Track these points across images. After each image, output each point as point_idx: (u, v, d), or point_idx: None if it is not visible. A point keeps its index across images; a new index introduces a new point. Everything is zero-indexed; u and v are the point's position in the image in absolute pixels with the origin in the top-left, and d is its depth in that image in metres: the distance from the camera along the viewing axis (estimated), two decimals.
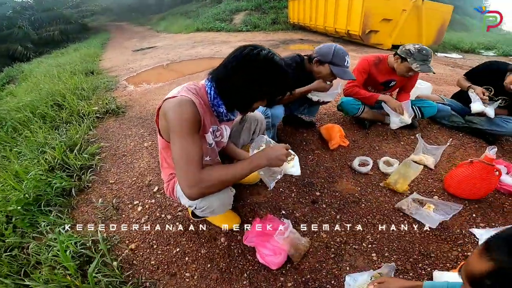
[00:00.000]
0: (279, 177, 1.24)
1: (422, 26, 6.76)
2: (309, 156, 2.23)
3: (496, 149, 1.93)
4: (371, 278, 1.27)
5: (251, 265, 1.41)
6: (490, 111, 2.16)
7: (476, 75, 2.37)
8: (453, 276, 1.28)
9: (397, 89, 2.56)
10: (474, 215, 1.65)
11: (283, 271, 1.38)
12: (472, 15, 15.61)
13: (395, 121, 2.26)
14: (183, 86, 1.11)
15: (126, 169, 2.22)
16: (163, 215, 1.74)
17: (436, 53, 7.20)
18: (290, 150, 1.24)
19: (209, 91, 1.12)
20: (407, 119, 2.23)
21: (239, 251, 1.48)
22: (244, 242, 1.47)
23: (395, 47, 7.06)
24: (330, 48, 1.85)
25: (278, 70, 1.07)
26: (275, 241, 1.40)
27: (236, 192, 1.71)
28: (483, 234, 1.49)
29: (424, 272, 1.37)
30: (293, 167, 1.25)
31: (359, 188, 1.89)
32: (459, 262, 1.40)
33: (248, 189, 1.88)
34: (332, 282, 1.33)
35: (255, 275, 1.36)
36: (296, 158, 1.27)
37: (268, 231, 1.47)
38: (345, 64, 1.85)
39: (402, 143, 2.39)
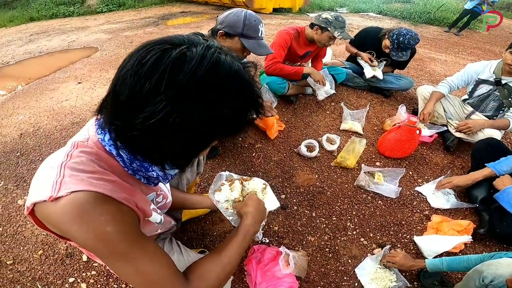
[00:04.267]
0: (263, 223, 0.98)
1: None
2: (253, 154, 1.99)
3: (405, 107, 2.23)
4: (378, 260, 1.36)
5: None
6: (379, 73, 2.48)
7: (358, 42, 2.64)
8: (431, 239, 1.46)
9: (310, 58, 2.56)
10: (410, 172, 1.89)
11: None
12: None
13: (321, 93, 2.30)
14: (56, 160, 0.56)
15: (17, 242, 1.44)
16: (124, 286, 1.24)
17: (308, 14, 7.91)
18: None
19: (114, 151, 0.58)
20: (330, 90, 2.30)
21: None
22: None
23: (275, 10, 7.34)
24: (239, 16, 1.41)
25: (243, 79, 0.52)
26: (287, 276, 1.24)
27: (196, 226, 1.46)
28: (426, 191, 1.76)
29: (406, 240, 1.50)
30: (269, 200, 1.00)
31: (316, 176, 1.83)
32: (424, 224, 1.60)
33: (208, 219, 1.52)
34: (345, 278, 1.35)
35: None
36: (268, 187, 1.03)
37: (270, 266, 1.27)
38: (260, 35, 1.46)
39: (327, 112, 2.47)
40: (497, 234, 1.50)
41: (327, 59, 3.07)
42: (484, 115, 2.06)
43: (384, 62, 2.56)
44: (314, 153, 1.93)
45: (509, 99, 1.90)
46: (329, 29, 2.00)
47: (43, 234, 1.46)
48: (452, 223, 1.57)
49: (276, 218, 1.57)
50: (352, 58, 2.91)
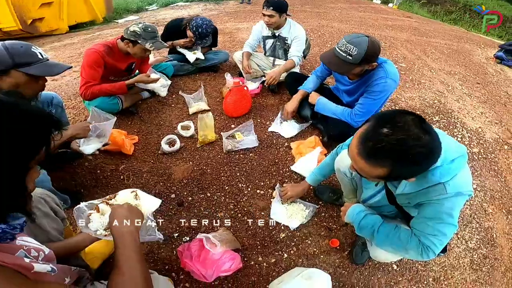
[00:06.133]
0: (153, 223, 1.04)
1: (89, 0, 6.47)
2: (121, 177, 1.85)
3: (229, 74, 2.60)
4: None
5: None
6: (200, 55, 2.78)
7: (166, 38, 2.76)
8: (301, 162, 1.83)
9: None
10: (259, 120, 2.31)
11: (249, 253, 1.45)
12: None
13: (160, 89, 2.35)
14: None
15: None
16: None
17: (116, 21, 7.32)
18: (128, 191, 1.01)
19: None
20: (165, 81, 2.41)
21: None
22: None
23: (72, 27, 6.37)
24: None
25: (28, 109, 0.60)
26: (224, 254, 1.32)
27: None
28: (275, 128, 2.19)
29: (288, 173, 1.88)
30: (146, 202, 1.01)
31: (191, 163, 1.94)
32: (290, 153, 2.00)
33: None
34: (270, 228, 1.55)
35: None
36: (139, 191, 1.03)
37: (204, 255, 1.33)
38: (41, 57, 1.28)
39: (172, 105, 2.54)
40: (331, 136, 1.93)
41: (150, 58, 3.06)
42: (282, 60, 2.68)
43: (200, 44, 2.82)
44: (177, 145, 2.00)
45: (286, 45, 2.56)
46: (139, 41, 1.96)
47: None
48: (305, 143, 1.95)
49: (181, 216, 1.59)
50: (172, 50, 3.03)
